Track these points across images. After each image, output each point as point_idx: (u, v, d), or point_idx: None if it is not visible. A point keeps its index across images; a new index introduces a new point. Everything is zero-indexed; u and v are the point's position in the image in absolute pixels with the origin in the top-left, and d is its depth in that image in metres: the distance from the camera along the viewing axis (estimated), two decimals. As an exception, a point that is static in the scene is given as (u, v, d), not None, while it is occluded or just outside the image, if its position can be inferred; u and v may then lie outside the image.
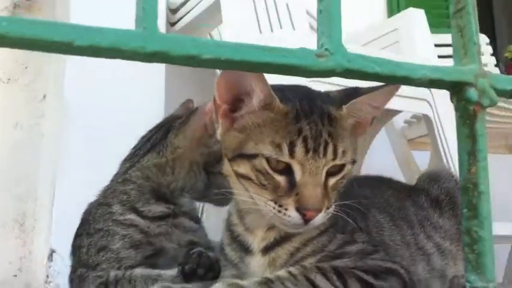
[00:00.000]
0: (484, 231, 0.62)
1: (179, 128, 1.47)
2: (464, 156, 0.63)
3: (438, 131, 2.10)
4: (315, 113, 1.01)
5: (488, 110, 2.49)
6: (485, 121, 0.63)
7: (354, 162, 1.05)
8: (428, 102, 2.09)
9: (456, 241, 1.37)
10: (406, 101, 2.04)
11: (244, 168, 1.02)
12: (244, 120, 1.03)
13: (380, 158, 2.48)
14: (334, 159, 1.00)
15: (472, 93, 0.62)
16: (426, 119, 2.11)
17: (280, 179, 0.99)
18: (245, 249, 1.11)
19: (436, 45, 2.66)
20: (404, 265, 1.11)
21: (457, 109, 0.64)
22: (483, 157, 0.62)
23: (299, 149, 0.98)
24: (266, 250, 1.08)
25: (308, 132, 0.98)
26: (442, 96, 2.10)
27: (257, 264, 1.08)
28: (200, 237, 1.46)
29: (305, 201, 0.97)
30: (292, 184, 0.98)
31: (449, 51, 2.93)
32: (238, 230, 1.13)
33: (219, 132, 1.07)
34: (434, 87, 0.64)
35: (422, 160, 2.53)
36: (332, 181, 1.02)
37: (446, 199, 1.40)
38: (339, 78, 0.62)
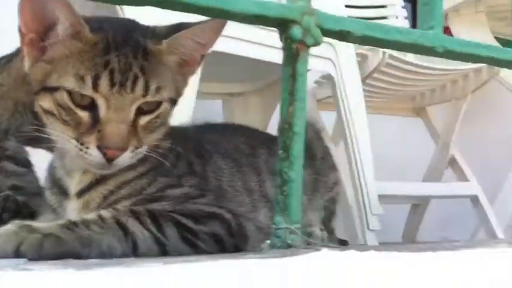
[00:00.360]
0: (293, 172, 0.61)
1: (4, 65, 1.39)
2: (286, 96, 0.61)
3: (340, 91, 2.09)
4: (128, 45, 0.95)
5: (395, 72, 2.47)
6: (308, 61, 0.61)
7: (174, 101, 1.01)
8: (332, 61, 2.07)
9: (310, 191, 1.37)
10: (312, 60, 2.02)
11: (48, 102, 0.96)
12: (53, 50, 0.96)
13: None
14: (144, 95, 0.95)
15: (296, 31, 0.60)
16: (330, 78, 2.09)
17: (83, 115, 0.94)
18: (64, 193, 1.06)
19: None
20: (235, 210, 1.08)
21: (284, 48, 0.62)
22: (301, 97, 0.60)
23: (103, 82, 0.92)
24: (81, 193, 1.04)
25: (116, 65, 0.93)
26: (347, 56, 2.09)
27: (72, 208, 1.04)
28: (28, 182, 1.39)
29: (106, 139, 0.92)
30: (96, 120, 0.93)
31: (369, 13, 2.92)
32: (59, 173, 1.08)
33: (26, 64, 1.00)
34: (261, 24, 0.62)
35: (331, 121, 2.55)
36: (144, 119, 0.97)
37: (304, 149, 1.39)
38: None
